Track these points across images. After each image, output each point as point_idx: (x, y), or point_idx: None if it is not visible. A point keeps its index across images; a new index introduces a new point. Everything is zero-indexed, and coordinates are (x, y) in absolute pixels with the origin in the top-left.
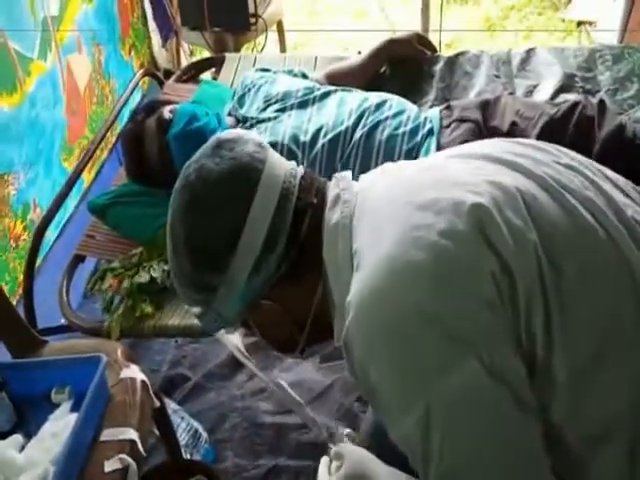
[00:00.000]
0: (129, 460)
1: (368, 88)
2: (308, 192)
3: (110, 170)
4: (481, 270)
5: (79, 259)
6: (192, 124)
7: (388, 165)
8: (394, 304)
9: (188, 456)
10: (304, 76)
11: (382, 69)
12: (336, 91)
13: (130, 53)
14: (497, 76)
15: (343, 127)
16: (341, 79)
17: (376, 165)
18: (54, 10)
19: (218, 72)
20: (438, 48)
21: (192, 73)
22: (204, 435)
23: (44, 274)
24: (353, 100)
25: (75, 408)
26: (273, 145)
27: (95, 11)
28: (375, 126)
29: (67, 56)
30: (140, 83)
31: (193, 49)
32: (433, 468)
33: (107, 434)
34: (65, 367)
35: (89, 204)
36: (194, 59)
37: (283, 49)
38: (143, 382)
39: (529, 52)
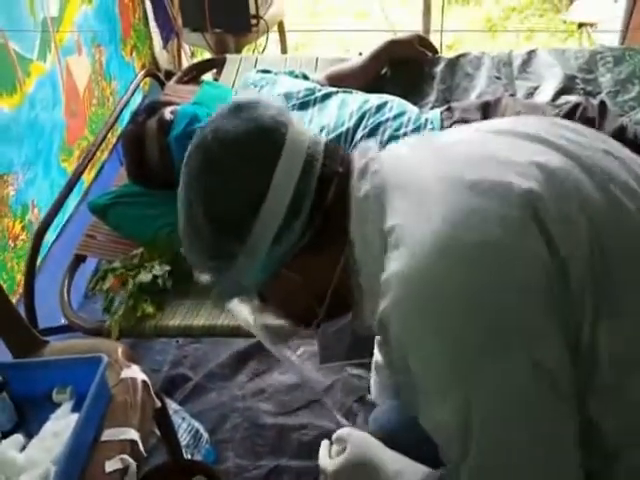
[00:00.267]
0: (130, 460)
1: (369, 89)
2: (333, 160)
3: (110, 171)
4: (532, 259)
5: (80, 259)
6: (193, 125)
7: (414, 138)
8: (441, 288)
9: (189, 456)
10: (305, 77)
11: (383, 70)
12: (337, 92)
13: (131, 54)
14: (498, 77)
15: (344, 128)
16: (342, 80)
17: None
18: (54, 11)
19: (219, 73)
20: (439, 49)
21: (193, 74)
22: (205, 435)
23: (44, 274)
24: (354, 101)
25: (76, 408)
26: None
27: (95, 12)
28: (376, 127)
29: (66, 57)
30: (141, 84)
31: (194, 50)
32: (470, 456)
33: (108, 434)
34: (66, 367)
35: (90, 204)
36: (195, 60)
37: (284, 50)
38: (144, 382)
39: (530, 54)
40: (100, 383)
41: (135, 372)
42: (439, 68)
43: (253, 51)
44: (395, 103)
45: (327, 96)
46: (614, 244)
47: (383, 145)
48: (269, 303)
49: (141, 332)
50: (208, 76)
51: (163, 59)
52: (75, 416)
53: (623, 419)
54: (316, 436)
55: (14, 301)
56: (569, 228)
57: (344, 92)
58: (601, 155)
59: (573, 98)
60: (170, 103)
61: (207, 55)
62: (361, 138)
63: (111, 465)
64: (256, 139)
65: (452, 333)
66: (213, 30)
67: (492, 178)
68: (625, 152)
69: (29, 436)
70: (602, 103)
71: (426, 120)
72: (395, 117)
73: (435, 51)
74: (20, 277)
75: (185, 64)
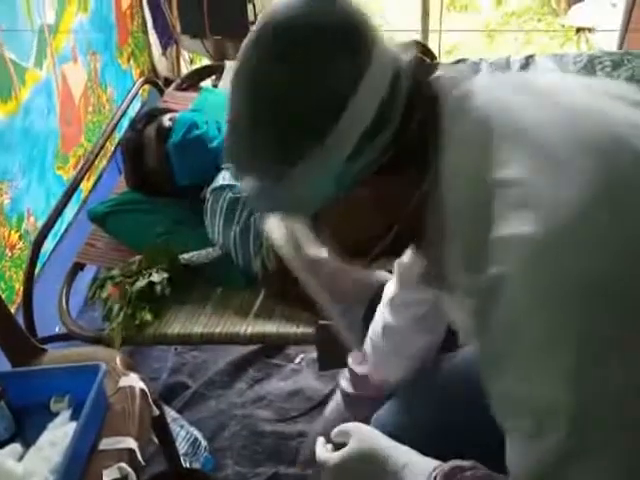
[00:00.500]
0: (128, 469)
1: None
2: (422, 77)
3: (109, 179)
4: None
5: (78, 267)
6: (192, 133)
7: (500, 75)
8: (578, 268)
9: (188, 465)
10: None
11: None
12: None
13: (129, 61)
14: None
15: None
16: None
17: None
18: (50, 18)
19: (218, 79)
20: (438, 53)
21: (192, 81)
22: (204, 443)
23: (43, 282)
24: None
25: (74, 417)
26: None
27: (91, 20)
28: None
29: (62, 65)
30: (140, 91)
31: (193, 57)
32: (563, 436)
33: (106, 443)
34: (64, 376)
35: (89, 212)
36: (194, 67)
37: None
38: (142, 391)
39: (528, 59)
40: (98, 392)
41: (133, 380)
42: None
43: None
44: None
45: None
46: None
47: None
48: (323, 226)
49: (140, 340)
50: (207, 83)
51: (162, 66)
52: (73, 425)
53: None
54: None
55: (13, 310)
56: None
57: None
58: None
59: None
60: (169, 110)
61: (206, 62)
62: None
63: (109, 474)
64: (347, 30)
65: (576, 320)
66: (212, 36)
67: (633, 143)
68: None
69: (27, 445)
70: None
71: None
72: None
73: (433, 57)
74: (19, 286)
75: (184, 71)
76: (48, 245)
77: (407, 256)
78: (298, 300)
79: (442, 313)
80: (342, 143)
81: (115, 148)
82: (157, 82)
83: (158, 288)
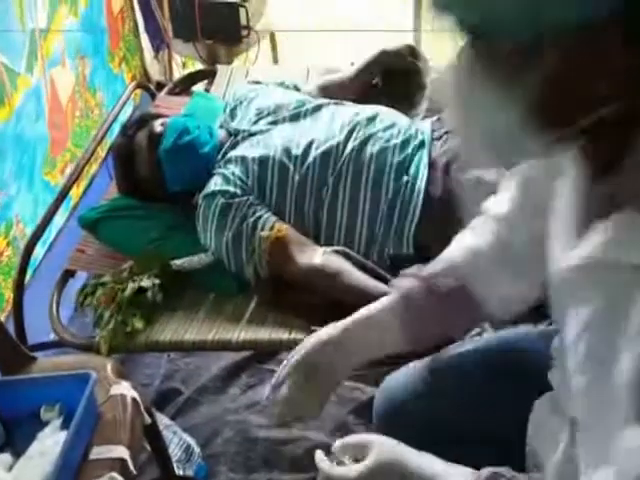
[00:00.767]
0: (119, 478)
1: (360, 100)
2: None
3: (100, 184)
4: None
5: (69, 274)
6: (183, 138)
7: None
8: None
9: (181, 472)
10: (296, 88)
11: (374, 81)
12: (328, 104)
13: (120, 65)
14: None
15: (334, 141)
16: (334, 91)
17: (367, 179)
18: (42, 22)
19: (211, 84)
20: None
21: (184, 85)
22: (197, 450)
23: (33, 289)
24: (345, 114)
25: (65, 426)
26: (265, 158)
27: (81, 23)
28: (366, 140)
29: (51, 69)
30: (132, 96)
31: (186, 61)
32: None
33: (97, 452)
34: (54, 384)
35: (80, 218)
36: (186, 71)
37: (276, 61)
38: (134, 399)
39: None
40: (88, 400)
41: (125, 388)
42: (430, 78)
43: (244, 62)
44: (385, 115)
45: (318, 108)
46: None
47: (374, 157)
48: (548, 57)
49: (131, 347)
50: (200, 87)
51: (154, 70)
52: (63, 434)
53: None
54: (308, 449)
55: (3, 318)
56: None
57: (335, 104)
58: None
59: None
60: (160, 115)
61: (199, 66)
62: (351, 150)
63: None
64: None
65: None
66: (204, 40)
67: None
68: None
69: (17, 455)
70: None
71: (416, 131)
72: (385, 129)
73: (426, 61)
74: (8, 294)
75: (176, 75)
76: (38, 252)
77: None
78: (291, 306)
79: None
80: None
81: (106, 153)
82: (149, 86)
83: (149, 294)
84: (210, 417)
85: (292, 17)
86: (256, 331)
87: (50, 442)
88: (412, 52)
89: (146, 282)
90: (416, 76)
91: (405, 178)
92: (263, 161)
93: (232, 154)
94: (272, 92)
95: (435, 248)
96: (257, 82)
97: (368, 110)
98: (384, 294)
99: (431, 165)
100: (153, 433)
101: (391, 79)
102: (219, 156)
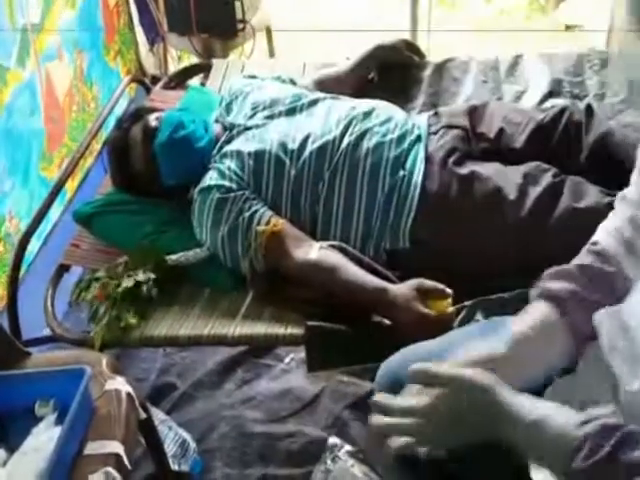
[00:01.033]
0: (114, 473)
1: (357, 94)
2: None
3: (95, 178)
4: None
5: (64, 269)
6: (178, 132)
7: None
8: None
9: (176, 467)
10: (292, 82)
11: (370, 75)
12: (324, 99)
13: (116, 59)
14: (485, 82)
15: (331, 136)
16: (330, 85)
17: (363, 173)
18: (35, 17)
19: (206, 78)
20: (427, 51)
21: (180, 79)
22: (192, 445)
23: (28, 284)
24: (341, 108)
25: (59, 421)
26: (261, 153)
27: (78, 18)
28: (362, 134)
29: (47, 64)
30: (127, 89)
31: (181, 54)
32: None
33: (91, 447)
34: (49, 379)
35: (74, 213)
36: (182, 65)
37: (272, 55)
38: (128, 394)
39: (517, 58)
40: (83, 395)
41: (119, 384)
42: (426, 72)
43: (240, 56)
44: (382, 109)
45: (314, 102)
46: None
47: (370, 151)
48: None
49: (126, 342)
50: (195, 81)
51: (149, 64)
52: (58, 429)
53: None
54: (304, 444)
55: None
56: None
57: (331, 98)
58: None
59: (560, 102)
60: (155, 109)
61: (194, 59)
62: (348, 145)
63: (95, 479)
64: None
65: None
66: (199, 34)
67: None
68: None
69: (11, 451)
70: (589, 107)
71: (413, 125)
72: (382, 123)
73: (422, 55)
74: (2, 289)
75: (171, 69)
76: (33, 246)
77: None
78: (287, 301)
79: None
80: None
81: (101, 147)
82: (144, 80)
83: (144, 289)
84: (206, 412)
85: (288, 11)
86: (252, 326)
87: (44, 438)
88: (408, 46)
89: (141, 277)
90: (412, 70)
91: (401, 172)
92: (259, 155)
93: (228, 148)
94: (268, 86)
95: (431, 242)
96: (253, 76)
97: (364, 104)
98: (380, 289)
99: (427, 159)
100: (148, 428)
101: (387, 73)
102: (215, 150)
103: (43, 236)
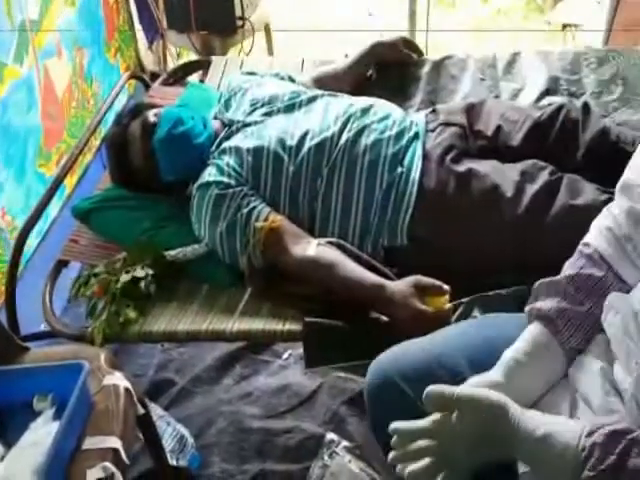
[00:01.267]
0: (112, 468)
1: (355, 92)
2: None
3: (94, 174)
4: None
5: (62, 264)
6: (177, 128)
7: None
8: None
9: (174, 462)
10: (291, 79)
11: (369, 72)
12: (323, 96)
13: (116, 56)
14: (483, 79)
15: (329, 133)
16: (328, 83)
17: (362, 170)
18: (33, 14)
19: (205, 75)
20: (425, 51)
21: (179, 76)
22: (190, 440)
23: (26, 280)
24: (339, 105)
25: (57, 416)
26: (259, 149)
27: (78, 14)
28: (361, 131)
29: (45, 60)
30: (126, 86)
31: (180, 51)
32: None
33: (89, 442)
34: (47, 374)
35: (73, 208)
36: (181, 61)
37: (270, 52)
38: (127, 389)
39: (514, 56)
40: (81, 390)
41: (117, 379)
42: (424, 70)
43: (239, 53)
44: (380, 106)
45: (312, 99)
46: None
47: (368, 148)
48: None
49: (124, 338)
50: (194, 78)
51: (149, 61)
52: (56, 424)
53: None
54: (301, 440)
55: None
56: None
57: (330, 95)
58: None
59: (557, 99)
60: (154, 105)
61: (193, 56)
62: (346, 142)
63: (93, 474)
64: None
65: None
66: (198, 31)
67: None
68: None
69: (8, 445)
70: (585, 105)
71: (411, 122)
72: (380, 120)
73: (420, 53)
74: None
75: (171, 65)
76: (32, 242)
77: None
78: (285, 297)
79: None
80: None
81: (100, 143)
82: (143, 77)
83: (143, 285)
84: (204, 407)
85: (287, 11)
86: (250, 322)
87: (42, 432)
88: (406, 44)
89: (140, 273)
90: (410, 68)
91: (399, 169)
92: (257, 152)
93: (226, 145)
94: (266, 83)
95: (429, 239)
96: (252, 73)
97: (362, 101)
98: (377, 285)
99: (425, 157)
100: (146, 423)
101: (385, 71)
102: (213, 147)
103: (42, 232)
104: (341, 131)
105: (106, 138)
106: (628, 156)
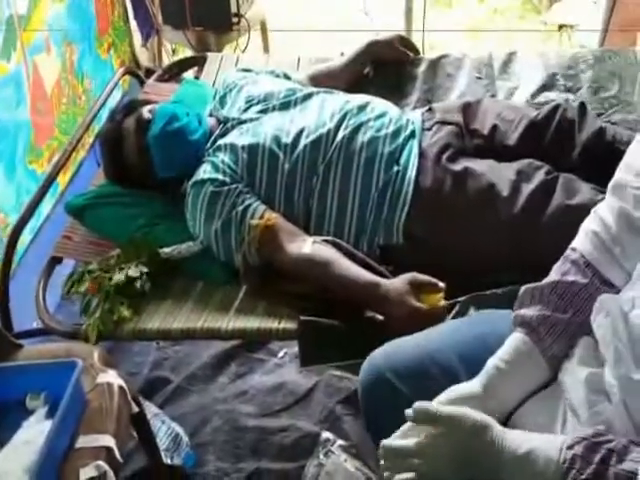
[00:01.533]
0: (105, 467)
1: (351, 90)
2: None
3: (88, 171)
4: None
5: (56, 261)
6: (172, 124)
7: None
8: None
9: (169, 460)
10: (286, 77)
11: (365, 71)
12: (318, 93)
13: (108, 51)
14: (479, 78)
15: (325, 129)
16: (324, 81)
17: (358, 168)
18: (22, 9)
19: (201, 71)
20: (421, 50)
21: (174, 72)
22: (185, 439)
23: (19, 277)
24: (335, 102)
25: (50, 414)
26: (254, 146)
27: (67, 10)
28: (357, 128)
29: (34, 56)
30: (121, 82)
31: (176, 47)
32: None
33: (83, 441)
34: (40, 372)
35: (66, 204)
36: (176, 58)
37: (266, 49)
38: (120, 387)
39: (510, 55)
40: (75, 388)
41: (111, 377)
42: (421, 69)
43: (235, 50)
44: (376, 104)
45: (308, 96)
46: None
47: (365, 146)
48: None
49: (118, 335)
50: (189, 74)
51: (144, 57)
52: (49, 423)
53: None
54: (297, 438)
55: None
56: None
57: (325, 92)
58: None
59: (554, 95)
60: (149, 101)
61: (189, 53)
62: (342, 139)
63: (86, 472)
64: None
65: None
66: (194, 28)
67: None
68: None
69: (1, 444)
70: (582, 105)
71: (407, 121)
72: (376, 118)
73: (417, 51)
74: None
75: (166, 61)
76: (25, 239)
77: None
78: (280, 295)
79: None
80: None
81: (94, 140)
82: (138, 73)
83: (137, 282)
84: (199, 406)
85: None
86: (245, 320)
87: (35, 431)
88: (403, 42)
89: (134, 270)
90: (407, 66)
91: (395, 168)
92: (253, 149)
93: (222, 142)
94: (262, 80)
95: (425, 238)
96: (247, 70)
97: (359, 99)
98: (373, 283)
99: (421, 155)
100: (141, 422)
101: (382, 70)
102: (208, 144)
103: (35, 229)
104: (337, 128)
105: (100, 134)
106: (624, 156)
